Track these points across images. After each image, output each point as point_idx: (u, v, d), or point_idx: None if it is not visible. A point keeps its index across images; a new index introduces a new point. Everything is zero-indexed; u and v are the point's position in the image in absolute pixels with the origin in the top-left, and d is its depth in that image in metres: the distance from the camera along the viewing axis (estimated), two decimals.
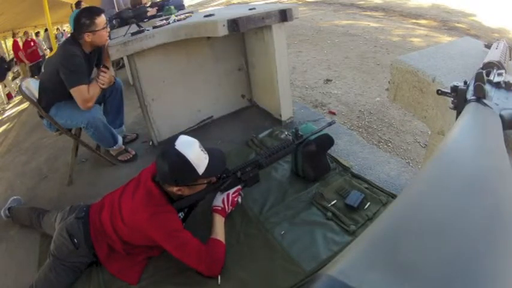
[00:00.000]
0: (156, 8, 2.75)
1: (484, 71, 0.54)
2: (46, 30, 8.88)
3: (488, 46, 0.95)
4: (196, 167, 1.14)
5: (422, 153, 2.23)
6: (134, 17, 2.20)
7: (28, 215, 1.58)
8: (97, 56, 1.87)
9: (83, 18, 1.65)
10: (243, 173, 1.36)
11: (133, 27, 1.99)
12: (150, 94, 2.00)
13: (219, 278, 1.16)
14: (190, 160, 1.13)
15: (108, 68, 1.82)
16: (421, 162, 2.07)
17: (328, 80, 3.48)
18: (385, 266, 0.21)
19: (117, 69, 4.14)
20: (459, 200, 0.27)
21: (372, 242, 0.24)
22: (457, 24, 5.44)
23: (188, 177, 1.16)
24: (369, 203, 1.36)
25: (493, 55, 0.71)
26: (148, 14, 2.50)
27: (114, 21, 2.35)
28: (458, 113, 0.55)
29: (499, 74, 0.57)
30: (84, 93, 1.67)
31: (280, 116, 2.13)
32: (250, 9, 1.84)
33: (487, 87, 0.52)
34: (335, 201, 1.39)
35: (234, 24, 1.66)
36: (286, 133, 1.95)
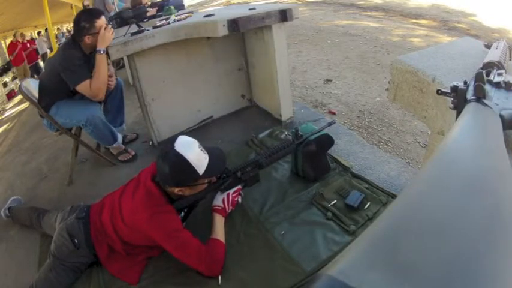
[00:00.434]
0: (156, 8, 2.76)
1: (484, 71, 0.54)
2: (46, 29, 8.89)
3: (488, 46, 0.95)
4: (196, 168, 1.14)
5: (422, 153, 2.23)
6: (134, 17, 2.20)
7: (28, 215, 1.58)
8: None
9: (83, 22, 1.65)
10: (243, 172, 1.36)
11: (133, 27, 1.99)
12: (150, 94, 2.00)
13: (220, 278, 1.16)
14: (190, 161, 1.13)
15: (111, 76, 1.86)
16: (421, 162, 2.07)
17: (328, 80, 3.48)
18: (385, 266, 0.21)
19: (117, 69, 4.14)
20: (459, 200, 0.27)
21: (371, 242, 0.24)
22: (457, 24, 5.44)
23: (189, 178, 1.16)
24: (369, 203, 1.36)
25: (493, 55, 0.71)
26: (148, 14, 2.50)
27: (114, 22, 2.35)
28: (458, 113, 0.55)
29: (499, 74, 0.57)
30: (89, 88, 1.69)
31: (280, 116, 2.13)
32: (250, 9, 1.84)
33: (487, 87, 0.52)
34: (335, 201, 1.39)
35: (234, 24, 1.66)
36: (286, 133, 1.95)
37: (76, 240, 1.24)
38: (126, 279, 1.23)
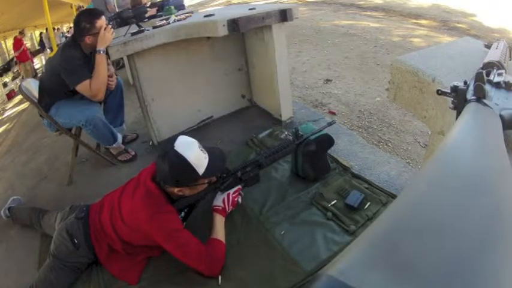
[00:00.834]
0: (156, 8, 2.76)
1: (484, 71, 0.54)
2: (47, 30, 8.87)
3: (488, 46, 0.95)
4: (196, 168, 1.14)
5: (422, 153, 2.23)
6: (134, 17, 2.20)
7: (28, 215, 1.58)
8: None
9: (83, 22, 1.65)
10: (243, 172, 1.37)
11: (133, 27, 1.99)
12: (150, 94, 2.00)
13: (220, 278, 1.16)
14: (190, 161, 1.13)
15: (111, 76, 1.86)
16: (421, 162, 2.07)
17: (328, 80, 3.48)
18: (385, 266, 0.21)
19: (117, 69, 4.15)
20: (459, 200, 0.27)
21: (372, 242, 0.24)
22: (457, 24, 5.44)
23: (189, 178, 1.16)
24: (369, 203, 1.36)
25: (493, 55, 0.71)
26: (148, 14, 2.50)
27: (113, 22, 2.35)
28: (458, 113, 0.54)
29: (499, 74, 0.57)
30: (89, 88, 1.69)
31: (280, 116, 2.13)
32: (250, 9, 1.84)
33: (487, 87, 0.52)
34: (335, 201, 1.39)
35: (234, 24, 1.66)
36: (286, 133, 1.95)
37: (76, 240, 1.24)
38: (126, 279, 1.23)
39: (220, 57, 2.19)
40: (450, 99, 0.59)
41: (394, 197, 1.38)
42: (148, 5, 2.84)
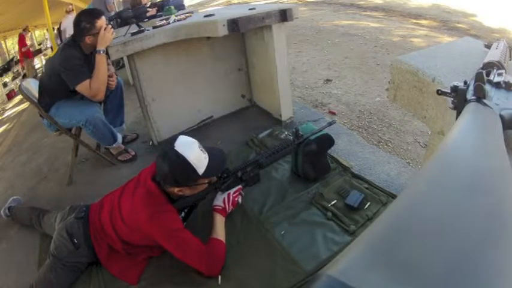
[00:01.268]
0: (156, 8, 2.76)
1: (484, 71, 0.54)
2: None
3: (488, 46, 0.95)
4: (196, 168, 1.14)
5: (422, 153, 2.23)
6: (134, 17, 2.20)
7: (28, 215, 1.58)
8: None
9: (83, 22, 1.65)
10: (243, 172, 1.37)
11: (133, 27, 2.00)
12: (150, 94, 2.00)
13: (219, 277, 1.16)
14: (190, 161, 1.13)
15: (112, 76, 1.86)
16: (421, 162, 2.07)
17: (328, 80, 3.48)
18: (385, 266, 0.21)
19: (117, 69, 4.14)
20: (459, 200, 0.27)
21: (371, 242, 0.24)
22: (457, 25, 5.44)
23: (188, 177, 1.16)
24: (369, 203, 1.36)
25: (493, 55, 0.71)
26: (148, 14, 2.50)
27: (114, 22, 2.35)
28: (458, 113, 0.54)
29: (499, 74, 0.57)
30: (89, 88, 1.69)
31: (280, 116, 2.13)
32: (250, 9, 1.84)
33: (487, 87, 0.52)
34: (335, 201, 1.39)
35: (234, 24, 1.66)
36: (286, 133, 1.95)
37: (75, 240, 1.24)
38: (126, 279, 1.23)
39: (220, 57, 2.19)
40: (450, 99, 0.59)
41: (394, 197, 1.38)
42: (148, 5, 2.84)
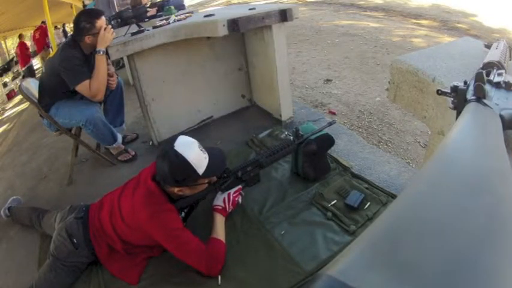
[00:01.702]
0: (156, 8, 2.76)
1: (484, 71, 0.54)
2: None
3: (488, 46, 0.95)
4: (196, 168, 1.14)
5: (422, 153, 2.23)
6: (134, 17, 2.20)
7: (28, 215, 1.58)
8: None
9: (83, 22, 1.65)
10: (243, 172, 1.36)
11: (133, 27, 1.99)
12: (150, 94, 2.00)
13: (219, 277, 1.16)
14: (190, 161, 1.13)
15: (112, 76, 1.86)
16: (421, 162, 2.07)
17: (328, 80, 3.48)
18: (385, 266, 0.21)
19: (117, 69, 4.14)
20: (459, 200, 0.27)
21: (372, 242, 0.24)
22: (457, 25, 5.44)
23: (188, 177, 1.16)
24: (369, 203, 1.36)
25: (493, 55, 0.71)
26: (148, 14, 2.50)
27: (113, 22, 2.35)
28: (458, 113, 0.54)
29: (499, 74, 0.57)
30: (88, 88, 1.69)
31: (280, 116, 2.13)
32: (250, 9, 1.84)
33: (487, 87, 0.52)
34: (335, 201, 1.39)
35: (234, 24, 1.66)
36: (286, 133, 1.95)
37: (75, 240, 1.24)
38: (126, 279, 1.23)
39: (220, 57, 2.19)
40: (450, 99, 0.59)
41: (394, 197, 1.38)
42: (148, 5, 2.84)
